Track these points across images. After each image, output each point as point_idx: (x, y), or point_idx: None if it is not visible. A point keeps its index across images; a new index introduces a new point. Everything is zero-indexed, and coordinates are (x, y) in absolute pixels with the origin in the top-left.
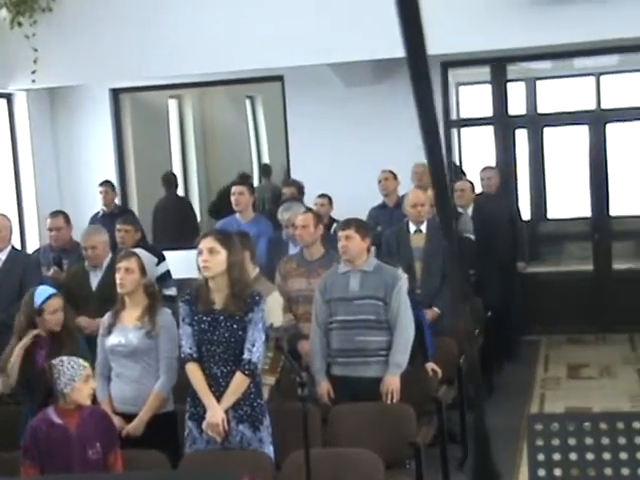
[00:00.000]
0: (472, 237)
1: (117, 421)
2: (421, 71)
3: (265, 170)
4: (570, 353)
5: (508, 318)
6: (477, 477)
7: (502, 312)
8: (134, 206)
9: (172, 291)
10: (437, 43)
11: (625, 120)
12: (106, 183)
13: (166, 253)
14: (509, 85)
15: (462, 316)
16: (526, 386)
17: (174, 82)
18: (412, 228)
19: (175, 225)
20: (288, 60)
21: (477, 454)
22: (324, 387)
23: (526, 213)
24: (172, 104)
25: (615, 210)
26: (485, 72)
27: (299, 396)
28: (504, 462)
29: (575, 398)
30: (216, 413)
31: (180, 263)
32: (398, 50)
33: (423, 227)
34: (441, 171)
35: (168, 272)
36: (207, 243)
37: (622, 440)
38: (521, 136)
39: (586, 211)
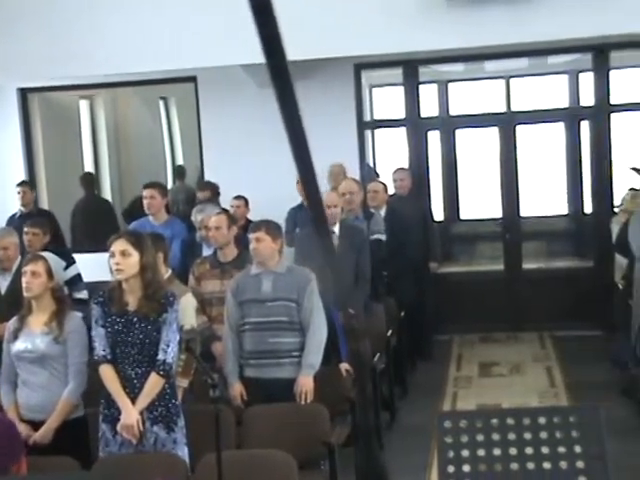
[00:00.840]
0: (384, 238)
1: (24, 429)
2: (280, 68)
3: (179, 172)
4: (482, 352)
5: (421, 318)
6: (364, 476)
7: (415, 312)
8: (44, 207)
9: (83, 294)
10: (350, 45)
11: (534, 122)
12: (24, 183)
13: (85, 255)
14: (422, 87)
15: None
16: (439, 385)
17: (85, 82)
18: None
19: (95, 226)
20: (200, 61)
21: (363, 454)
22: (237, 389)
23: (439, 214)
24: (83, 105)
25: (525, 211)
26: (398, 74)
27: (210, 398)
28: (417, 460)
29: (486, 395)
30: (131, 414)
31: (98, 265)
32: (310, 51)
33: (335, 228)
34: (314, 184)
35: (78, 275)
36: (119, 245)
37: (527, 435)
38: (434, 138)
39: (497, 212)
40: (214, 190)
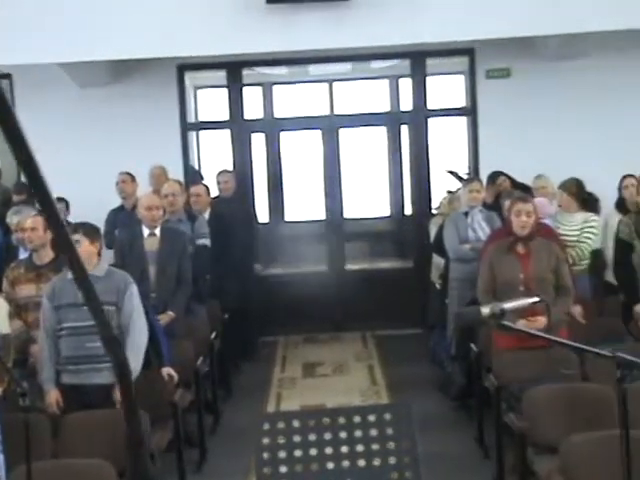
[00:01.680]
0: (207, 242)
1: None
2: None
3: None
4: (306, 352)
5: (246, 320)
6: None
7: (240, 314)
8: None
9: None
10: (173, 46)
11: (356, 126)
12: None
13: None
14: (246, 89)
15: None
16: (263, 386)
17: None
18: (146, 232)
19: None
20: (13, 58)
21: (131, 462)
22: (52, 396)
23: (264, 216)
24: None
25: (348, 213)
26: (222, 76)
27: (20, 407)
28: (240, 463)
29: (310, 396)
30: None
31: None
32: (132, 51)
33: (157, 231)
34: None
35: None
36: None
37: (343, 434)
38: (258, 140)
39: (321, 214)
40: (30, 192)
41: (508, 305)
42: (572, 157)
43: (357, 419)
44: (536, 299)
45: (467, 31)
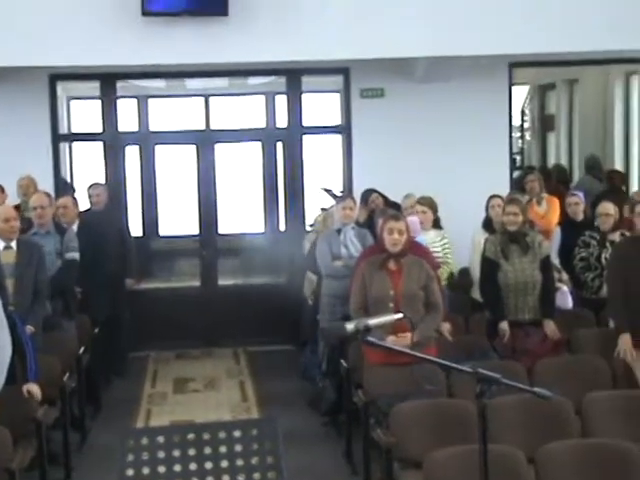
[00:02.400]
0: (76, 256)
1: None
2: None
3: None
4: (177, 368)
5: (117, 334)
6: None
7: (110, 329)
8: None
9: None
10: (44, 55)
11: (232, 141)
12: None
13: None
14: (121, 102)
15: None
16: (133, 402)
17: None
18: (1, 244)
19: None
20: None
21: None
22: None
23: (137, 230)
24: None
25: (223, 228)
26: (96, 87)
27: None
28: None
29: (180, 412)
30: None
31: None
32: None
33: (13, 244)
34: None
35: None
36: None
37: (207, 450)
38: (133, 153)
39: (195, 229)
40: None
41: (373, 321)
42: (439, 177)
43: (222, 435)
44: (400, 315)
45: (342, 50)
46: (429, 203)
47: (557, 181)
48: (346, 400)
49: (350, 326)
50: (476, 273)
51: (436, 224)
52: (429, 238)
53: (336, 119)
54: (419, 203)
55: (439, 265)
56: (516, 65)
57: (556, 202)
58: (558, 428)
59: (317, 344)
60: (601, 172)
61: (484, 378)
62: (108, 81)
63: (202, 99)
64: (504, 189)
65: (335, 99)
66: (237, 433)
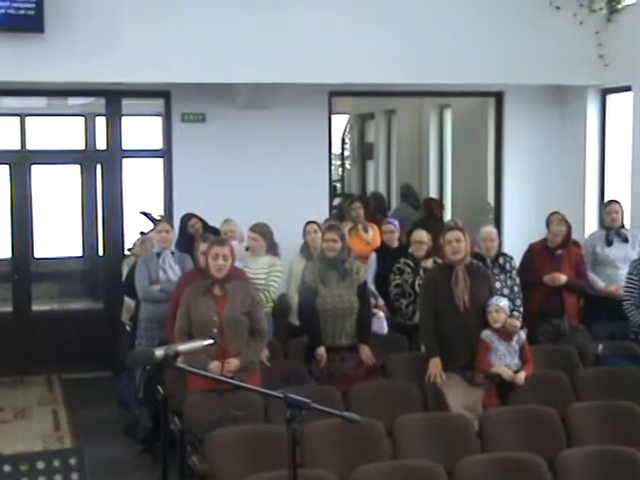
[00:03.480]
0: None
1: None
2: None
3: None
4: None
5: None
6: None
7: None
8: None
9: None
10: None
11: (50, 163)
12: None
13: None
14: None
15: None
16: None
17: None
18: None
19: None
20: None
21: None
22: None
23: None
24: None
25: (39, 252)
26: None
27: None
28: None
29: None
30: None
31: None
32: None
33: None
34: None
35: None
36: None
37: None
38: None
39: (7, 252)
40: None
41: (183, 347)
42: (260, 202)
43: (24, 467)
44: (211, 341)
45: (162, 74)
46: (261, 230)
47: (375, 209)
48: (163, 427)
49: (160, 352)
50: (294, 298)
51: (272, 250)
52: (258, 264)
53: (157, 143)
54: (251, 230)
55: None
56: (336, 94)
57: (377, 229)
58: (371, 451)
59: (134, 371)
60: (417, 200)
61: (294, 403)
62: None
63: (17, 119)
64: (324, 215)
65: (157, 122)
66: (40, 465)
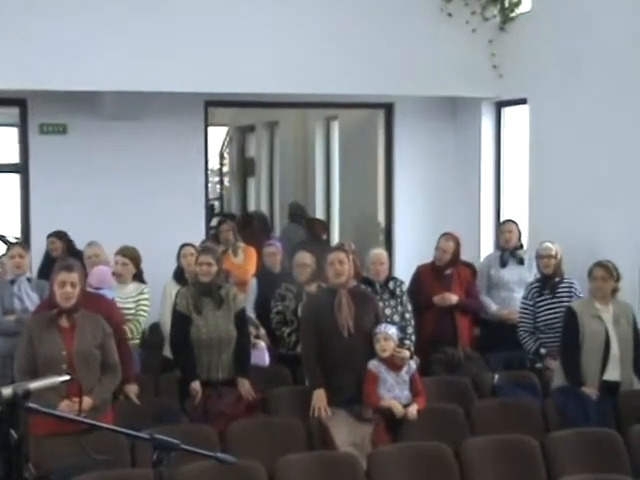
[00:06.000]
0: None
1: None
2: None
3: None
4: None
5: None
6: None
7: None
8: None
9: None
10: None
11: None
12: None
13: None
14: None
15: None
16: None
17: None
18: None
19: None
20: None
21: None
22: None
23: None
24: None
25: None
26: None
27: None
28: None
29: None
30: None
31: None
32: None
33: None
34: None
35: None
36: None
37: None
38: None
39: None
40: None
41: (34, 385)
42: (129, 223)
43: None
44: (67, 377)
45: (17, 79)
46: (131, 255)
47: (258, 229)
48: (16, 475)
49: (7, 391)
50: (167, 328)
51: (138, 277)
52: (126, 293)
53: (13, 156)
54: (121, 254)
55: (124, 322)
56: (212, 104)
57: (253, 252)
58: None
59: None
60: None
61: (161, 444)
62: None
63: None
64: (200, 237)
65: (12, 134)
66: None
